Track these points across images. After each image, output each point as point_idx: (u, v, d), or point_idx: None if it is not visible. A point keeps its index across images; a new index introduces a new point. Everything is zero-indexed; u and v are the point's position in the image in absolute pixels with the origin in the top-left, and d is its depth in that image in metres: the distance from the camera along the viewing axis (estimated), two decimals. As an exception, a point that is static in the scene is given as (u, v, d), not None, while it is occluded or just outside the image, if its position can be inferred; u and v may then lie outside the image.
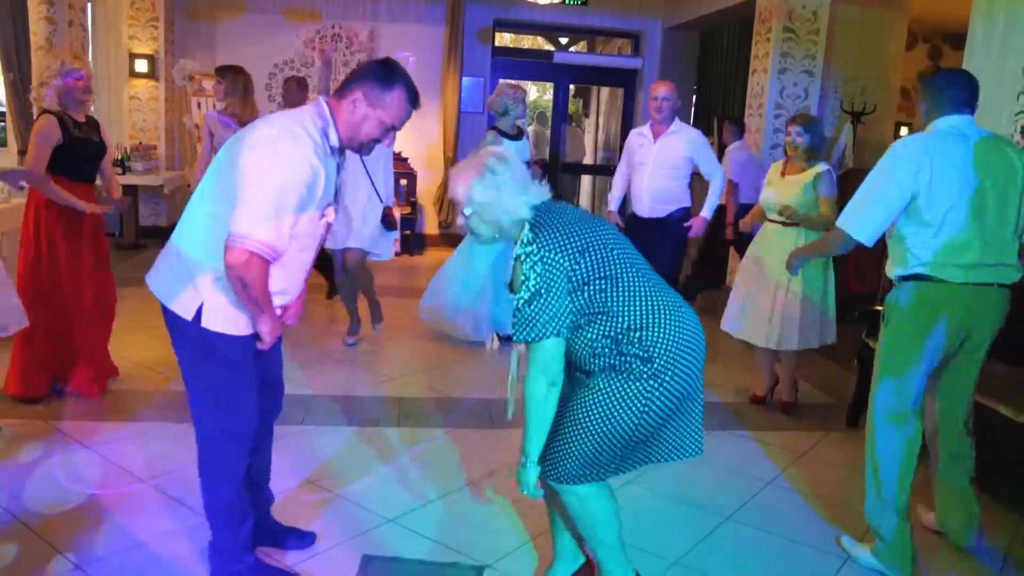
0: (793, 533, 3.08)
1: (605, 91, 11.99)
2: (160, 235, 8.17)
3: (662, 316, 2.21)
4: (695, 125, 10.03)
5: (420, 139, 9.35)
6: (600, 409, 2.20)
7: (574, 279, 2.17)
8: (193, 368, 2.34)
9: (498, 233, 2.26)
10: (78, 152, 3.81)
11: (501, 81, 5.71)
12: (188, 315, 2.24)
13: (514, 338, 2.21)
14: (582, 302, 2.18)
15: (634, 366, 2.17)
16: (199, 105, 8.17)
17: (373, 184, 4.95)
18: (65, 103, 3.78)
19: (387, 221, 5.06)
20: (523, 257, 2.19)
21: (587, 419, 2.21)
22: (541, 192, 2.26)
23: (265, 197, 2.09)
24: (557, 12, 9.47)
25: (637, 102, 10.05)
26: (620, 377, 2.19)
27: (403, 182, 9.03)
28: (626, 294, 2.19)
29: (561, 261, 2.16)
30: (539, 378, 2.19)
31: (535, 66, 10.61)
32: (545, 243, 2.17)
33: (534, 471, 2.27)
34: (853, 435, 4.13)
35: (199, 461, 2.44)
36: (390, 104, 2.25)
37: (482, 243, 2.33)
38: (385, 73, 2.25)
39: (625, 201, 5.21)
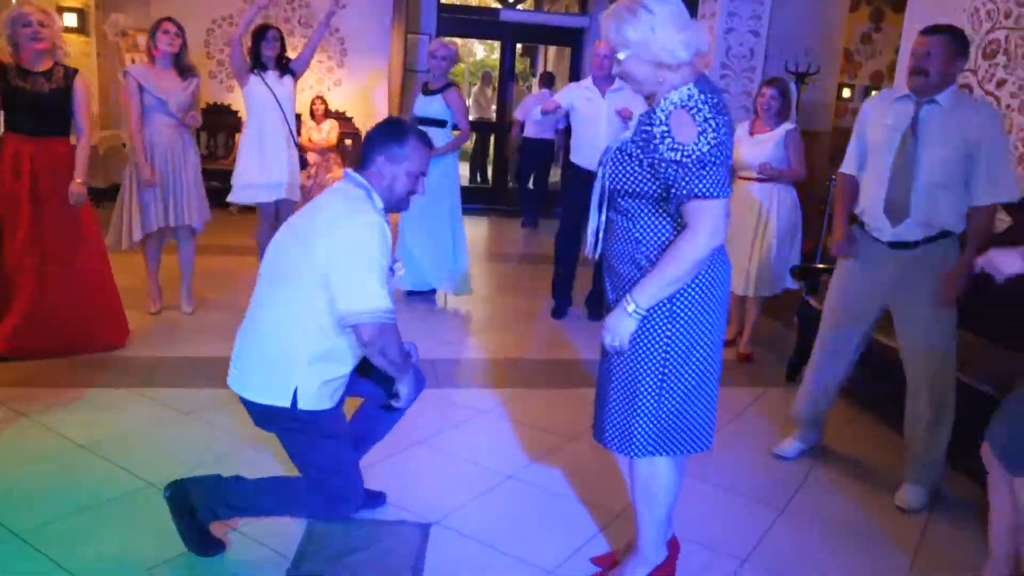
0: (732, 485, 3.17)
1: (552, 50, 11.91)
2: (95, 197, 7.92)
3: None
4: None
5: (365, 98, 9.21)
6: (634, 365, 2.15)
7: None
8: (300, 448, 2.47)
9: (656, 80, 2.05)
10: (19, 103, 3.70)
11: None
12: (285, 402, 2.34)
13: (687, 193, 1.97)
14: None
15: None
16: (133, 61, 7.90)
17: (291, 130, 5.10)
18: (19, 52, 3.68)
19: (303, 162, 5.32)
20: (694, 110, 1.98)
21: (615, 365, 2.18)
22: (703, 39, 2.05)
23: (367, 270, 2.27)
24: (504, -31, 9.34)
25: (584, 61, 10.00)
26: (641, 320, 2.10)
27: (348, 142, 8.90)
28: None
29: (726, 131, 2.01)
30: (707, 242, 1.99)
31: (482, 24, 10.48)
32: (716, 112, 1.99)
33: (634, 323, 2.08)
34: (792, 391, 4.23)
35: (284, 506, 2.53)
36: (410, 154, 2.44)
37: (637, 89, 2.13)
38: (394, 130, 2.45)
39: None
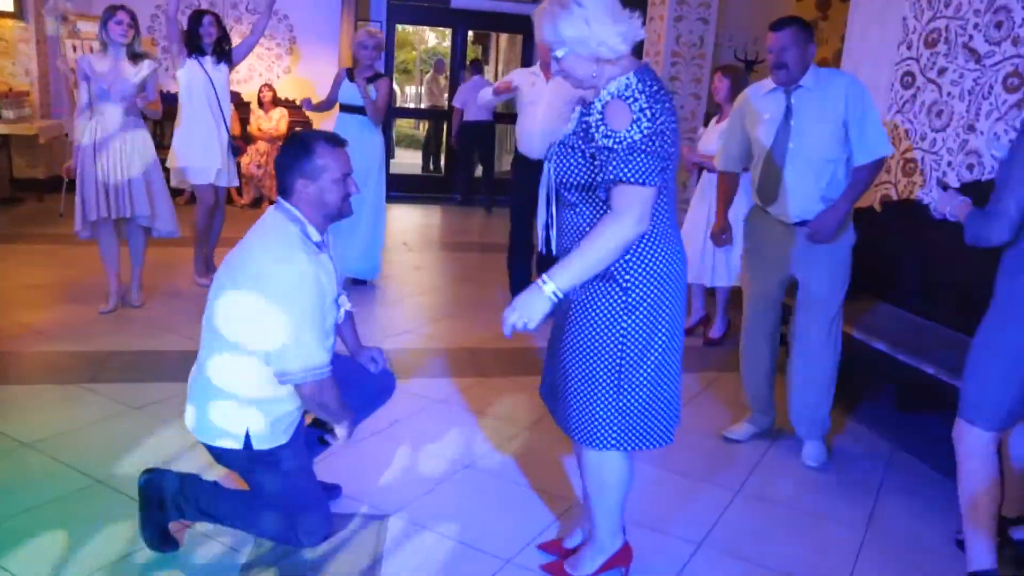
0: (687, 469, 3.21)
1: (504, 37, 11.87)
2: (36, 188, 7.71)
3: (659, 248, 2.09)
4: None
5: (316, 87, 9.08)
6: (588, 357, 2.14)
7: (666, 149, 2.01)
8: (263, 488, 2.39)
9: (597, 74, 2.04)
10: None
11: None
12: (238, 445, 2.28)
13: (613, 177, 1.96)
14: None
15: (610, 291, 2.09)
16: (75, 48, 7.67)
17: (224, 117, 5.11)
18: None
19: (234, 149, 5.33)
20: (630, 100, 1.98)
21: (573, 358, 2.17)
22: (637, 28, 2.04)
23: (300, 325, 2.18)
24: (454, -45, 9.28)
25: (537, 48, 9.99)
26: (596, 309, 2.11)
27: (298, 130, 8.79)
28: (658, 204, 2.06)
29: (665, 129, 2.00)
30: (632, 228, 1.97)
31: (432, 11, 10.39)
32: (653, 102, 1.98)
33: (548, 305, 2.02)
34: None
35: (251, 525, 2.41)
36: (326, 163, 2.30)
37: (577, 85, 2.12)
38: (301, 145, 2.31)
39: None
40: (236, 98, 8.55)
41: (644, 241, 2.07)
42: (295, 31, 9.07)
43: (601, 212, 2.08)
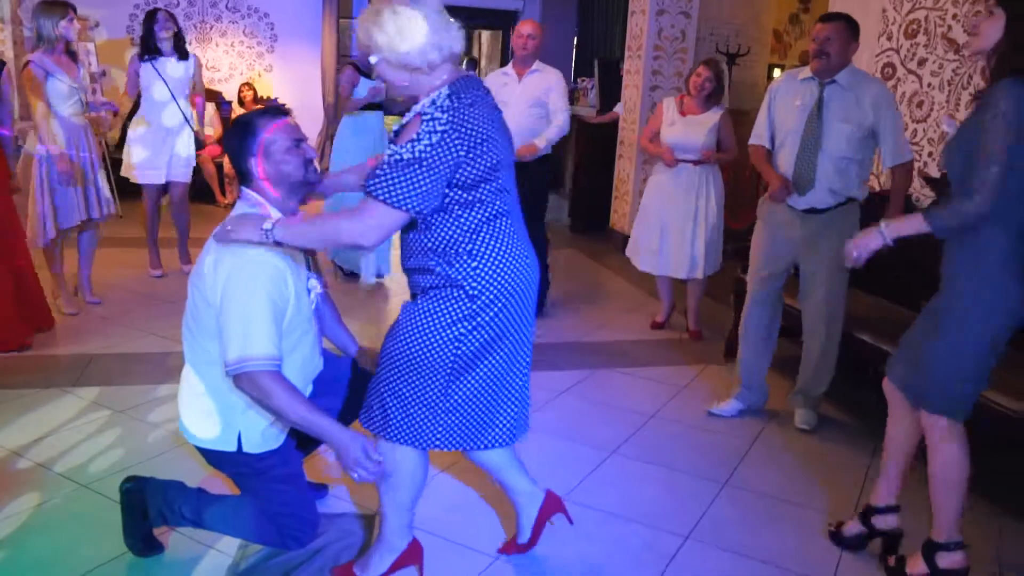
0: (674, 462, 3.22)
1: (486, 34, 11.84)
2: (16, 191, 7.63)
3: (509, 260, 2.08)
4: (576, 66, 10.05)
5: (299, 85, 9.04)
6: (414, 342, 2.08)
7: (459, 175, 1.97)
8: (253, 492, 2.36)
9: (411, 83, 2.04)
10: None
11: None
12: (231, 447, 2.26)
13: (368, 190, 1.94)
14: (452, 199, 2.00)
15: (456, 296, 2.05)
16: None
17: (184, 115, 5.17)
18: None
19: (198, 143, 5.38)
20: (427, 117, 1.95)
21: (402, 355, 2.10)
22: (455, 40, 2.04)
23: (243, 319, 2.09)
24: (435, -49, 9.23)
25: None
26: (438, 312, 2.06)
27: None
28: (485, 218, 2.04)
29: (458, 149, 1.94)
30: (361, 235, 1.95)
31: (415, 7, 10.36)
32: (454, 119, 1.95)
33: (256, 236, 2.03)
34: (730, 368, 4.31)
35: (236, 530, 2.39)
36: (271, 136, 2.23)
37: (394, 95, 2.11)
38: (244, 126, 2.25)
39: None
40: (218, 97, 8.50)
41: (493, 251, 2.05)
42: (276, 29, 9.02)
43: (442, 227, 2.03)
